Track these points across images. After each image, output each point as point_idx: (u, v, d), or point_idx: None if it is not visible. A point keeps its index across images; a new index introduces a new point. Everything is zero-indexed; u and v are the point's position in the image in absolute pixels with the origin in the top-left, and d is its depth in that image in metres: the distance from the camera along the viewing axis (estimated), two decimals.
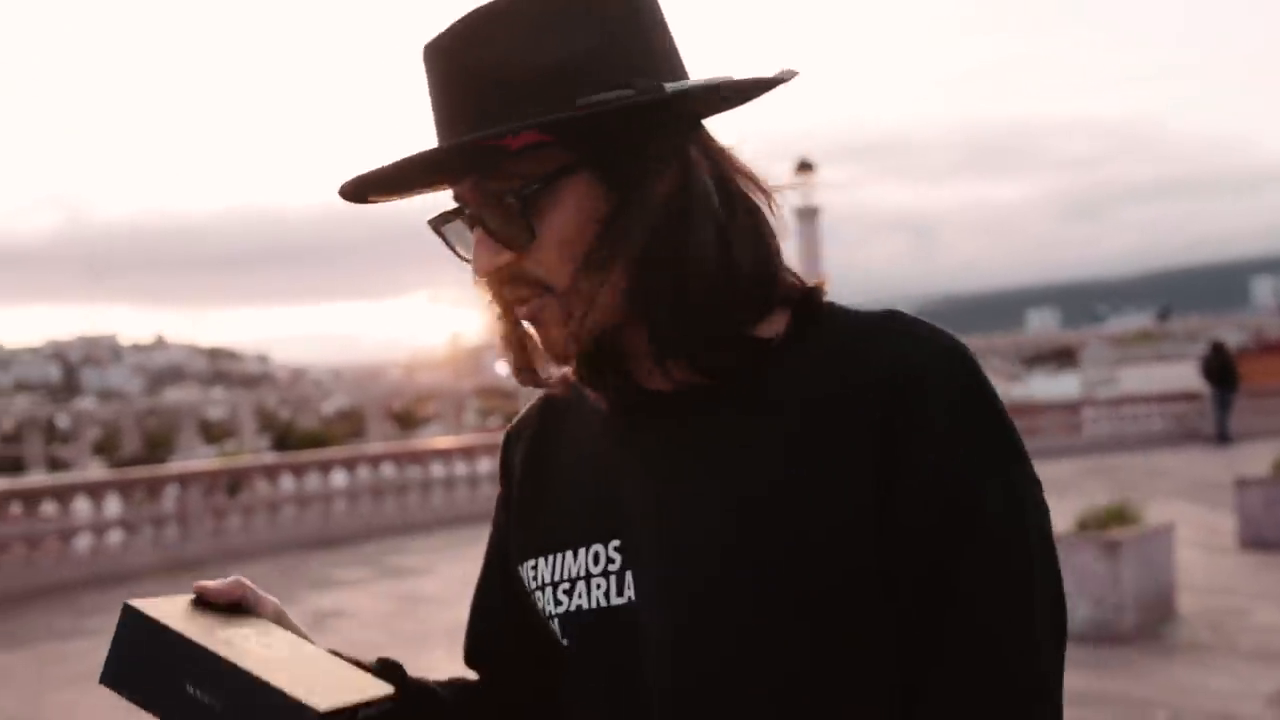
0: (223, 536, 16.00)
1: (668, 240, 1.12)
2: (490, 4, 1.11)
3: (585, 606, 1.17)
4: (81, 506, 15.28)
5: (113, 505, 15.40)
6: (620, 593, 1.15)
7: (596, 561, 1.17)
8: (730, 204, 1.16)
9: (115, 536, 15.14)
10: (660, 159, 1.13)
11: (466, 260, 1.16)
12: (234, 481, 17.00)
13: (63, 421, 76.91)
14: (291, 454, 23.43)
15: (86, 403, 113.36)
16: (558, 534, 1.22)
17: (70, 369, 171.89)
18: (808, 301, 1.17)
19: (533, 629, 1.25)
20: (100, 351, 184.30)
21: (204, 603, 1.14)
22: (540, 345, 1.16)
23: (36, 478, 33.28)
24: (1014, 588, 1.06)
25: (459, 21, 1.11)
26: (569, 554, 1.20)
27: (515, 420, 1.39)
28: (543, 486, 1.29)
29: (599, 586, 1.16)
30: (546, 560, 1.22)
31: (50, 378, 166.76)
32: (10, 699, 8.95)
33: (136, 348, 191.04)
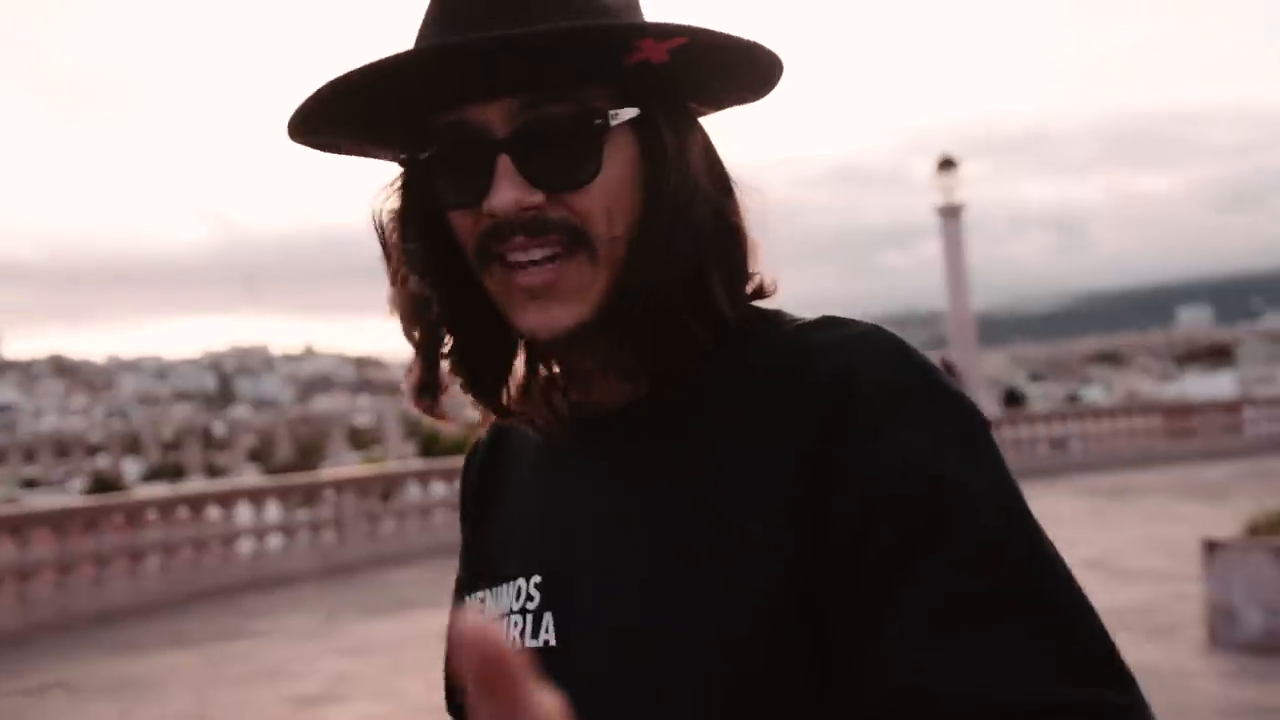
0: (377, 541, 16.37)
1: (712, 212, 1.04)
2: None
3: None
4: (242, 512, 15.78)
5: (272, 510, 15.86)
6: (536, 634, 1.05)
7: (518, 597, 1.08)
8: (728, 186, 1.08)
9: (275, 541, 15.60)
10: (693, 126, 1.07)
11: (444, 201, 1.02)
12: (387, 487, 17.38)
13: (219, 429, 79.70)
14: (440, 460, 23.88)
15: (241, 411, 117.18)
16: (499, 565, 1.14)
17: (225, 379, 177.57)
18: (744, 309, 1.06)
19: None
20: (253, 361, 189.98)
21: None
22: (535, 313, 1.00)
23: (198, 483, 34.47)
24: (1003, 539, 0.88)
25: None
26: (503, 587, 1.11)
27: (471, 445, 1.29)
28: (492, 514, 1.21)
29: (516, 625, 1.07)
30: (493, 592, 1.13)
31: (207, 387, 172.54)
32: (180, 696, 9.27)
33: (287, 357, 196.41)
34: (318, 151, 1.10)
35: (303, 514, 16.03)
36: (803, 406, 0.95)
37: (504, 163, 0.97)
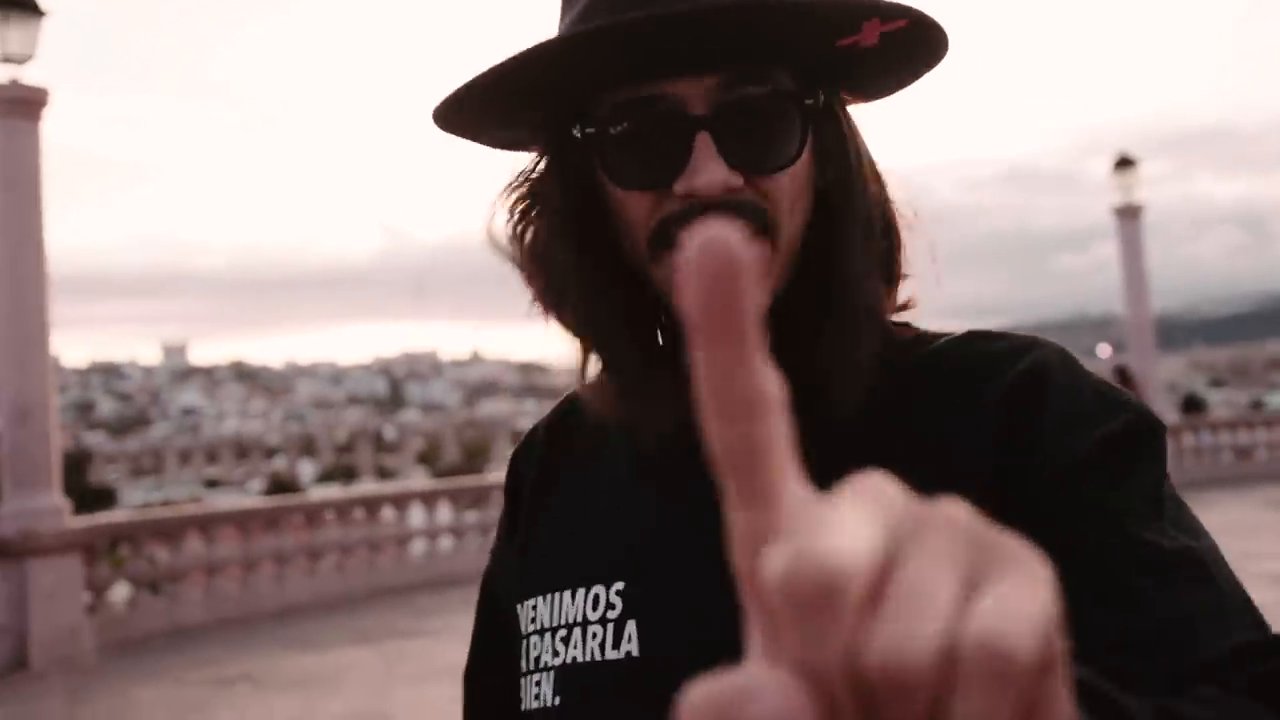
0: None
1: (879, 212, 1.00)
2: None
3: (580, 659, 0.98)
4: (415, 513, 16.12)
5: (443, 512, 16.18)
6: (617, 645, 0.97)
7: (595, 605, 0.99)
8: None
9: (445, 542, 15.91)
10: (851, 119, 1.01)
11: (626, 180, 0.95)
12: None
13: (389, 433, 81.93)
14: None
15: (410, 415, 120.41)
16: (559, 570, 1.05)
17: (395, 383, 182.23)
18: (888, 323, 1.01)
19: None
20: (422, 367, 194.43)
21: None
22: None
23: (370, 485, 35.45)
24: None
25: None
26: (567, 595, 1.02)
27: (521, 441, 1.23)
28: (549, 515, 1.13)
29: (594, 636, 0.98)
30: (545, 600, 1.05)
31: (378, 392, 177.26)
32: (360, 692, 9.51)
33: (455, 363, 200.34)
34: (457, 136, 1.04)
35: (471, 516, 16.31)
36: (979, 416, 0.91)
37: (704, 140, 0.90)
